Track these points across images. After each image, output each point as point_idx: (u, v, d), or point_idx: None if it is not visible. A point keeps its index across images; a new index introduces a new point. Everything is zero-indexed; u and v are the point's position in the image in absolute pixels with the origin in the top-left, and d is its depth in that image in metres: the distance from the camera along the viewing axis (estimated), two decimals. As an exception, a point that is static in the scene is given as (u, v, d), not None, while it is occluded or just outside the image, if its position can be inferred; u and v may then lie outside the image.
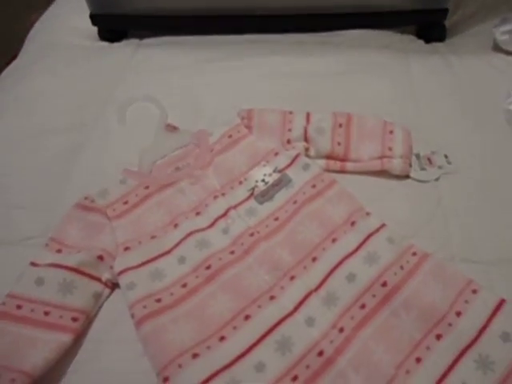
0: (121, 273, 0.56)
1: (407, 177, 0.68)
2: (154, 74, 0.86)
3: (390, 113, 0.75)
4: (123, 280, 0.55)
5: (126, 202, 0.64)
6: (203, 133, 0.72)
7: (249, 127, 0.72)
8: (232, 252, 0.58)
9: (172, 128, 0.74)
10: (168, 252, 0.59)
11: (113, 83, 0.85)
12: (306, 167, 0.66)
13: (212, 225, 0.61)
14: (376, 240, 0.58)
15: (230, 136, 0.71)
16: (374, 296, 0.53)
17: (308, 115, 0.73)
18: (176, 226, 0.61)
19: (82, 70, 0.90)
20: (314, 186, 0.64)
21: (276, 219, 0.62)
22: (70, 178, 0.70)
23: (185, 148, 0.72)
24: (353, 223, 0.60)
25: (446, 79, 0.84)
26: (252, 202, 0.64)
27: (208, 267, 0.57)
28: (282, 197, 0.64)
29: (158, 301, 0.53)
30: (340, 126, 0.71)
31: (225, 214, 0.62)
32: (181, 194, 0.65)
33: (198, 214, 0.63)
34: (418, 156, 0.70)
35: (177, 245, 0.59)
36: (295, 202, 0.63)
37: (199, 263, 0.57)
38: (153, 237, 0.60)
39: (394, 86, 0.83)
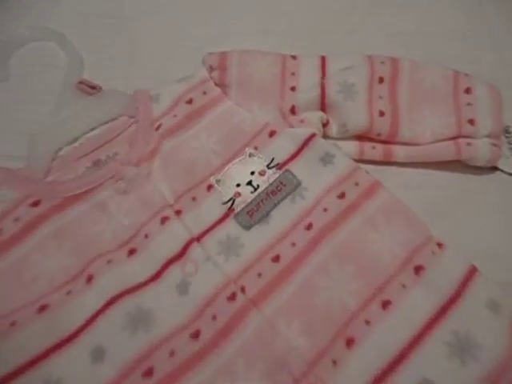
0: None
1: (494, 168, 0.40)
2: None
3: (457, 57, 0.46)
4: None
5: (-4, 234, 0.34)
6: (143, 96, 0.42)
7: (222, 85, 0.41)
8: (195, 335, 0.31)
9: (89, 87, 0.43)
10: (71, 338, 0.31)
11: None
12: (326, 159, 0.37)
13: (157, 276, 0.33)
14: (467, 307, 0.31)
15: (190, 101, 0.41)
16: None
17: (323, 62, 0.42)
18: (90, 279, 0.33)
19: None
20: (342, 196, 0.36)
21: (275, 260, 0.34)
22: None
23: (111, 124, 0.42)
24: (418, 269, 0.32)
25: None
26: (231, 227, 0.35)
27: (147, 373, 0.29)
28: (285, 216, 0.35)
29: None
30: (381, 80, 0.41)
31: (181, 254, 0.34)
32: (101, 213, 0.36)
33: (131, 253, 0.34)
34: (508, 131, 0.42)
35: (89, 322, 0.31)
36: (310, 227, 0.35)
37: (131, 365, 0.30)
38: (43, 307, 0.32)
39: (461, 13, 0.51)
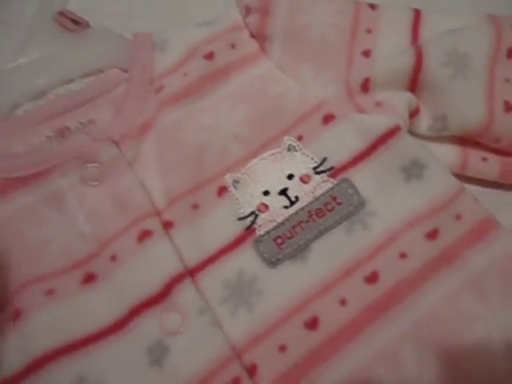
0: None
1: None
2: None
3: None
4: None
5: None
6: (144, 42, 0.28)
7: (262, 36, 0.28)
8: None
9: (71, 21, 0.30)
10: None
11: None
12: (411, 170, 0.23)
13: (120, 326, 0.21)
14: None
15: (211, 56, 0.27)
16: None
17: (417, 17, 0.28)
18: (16, 318, 0.21)
19: None
20: (432, 235, 0.22)
21: (311, 325, 0.21)
22: None
23: (95, 78, 0.29)
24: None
25: None
26: (247, 259, 0.23)
27: None
28: (334, 254, 0.22)
29: None
30: (510, 54, 0.26)
31: (163, 296, 0.21)
32: (52, 210, 0.24)
33: (87, 280, 0.22)
34: None
35: None
36: (373, 280, 0.21)
37: None
38: None
39: None
